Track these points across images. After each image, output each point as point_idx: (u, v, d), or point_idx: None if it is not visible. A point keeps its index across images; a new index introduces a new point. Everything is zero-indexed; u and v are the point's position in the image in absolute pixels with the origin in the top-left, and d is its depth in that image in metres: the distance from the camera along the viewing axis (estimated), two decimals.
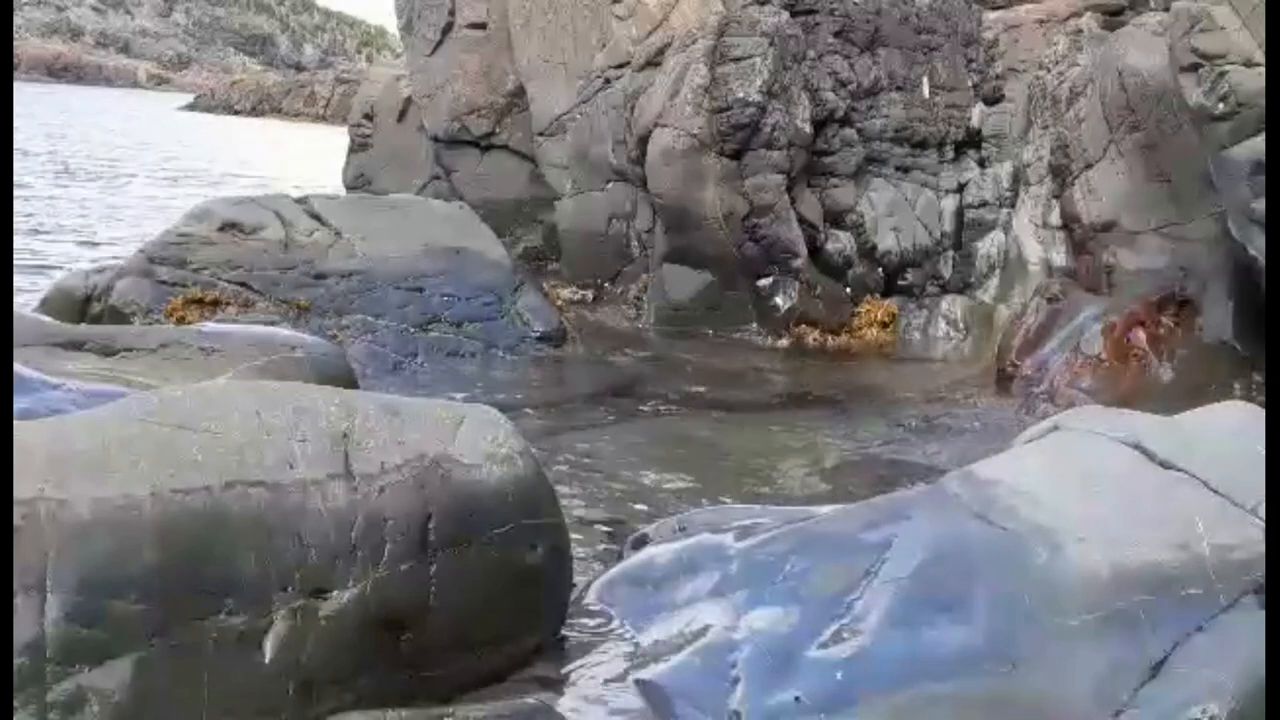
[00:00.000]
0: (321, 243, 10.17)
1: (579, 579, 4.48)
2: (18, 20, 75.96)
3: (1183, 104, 8.87)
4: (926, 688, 3.42)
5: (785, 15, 12.17)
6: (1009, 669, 3.37)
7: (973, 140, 12.74)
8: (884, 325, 11.83)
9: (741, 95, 11.46)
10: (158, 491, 3.38)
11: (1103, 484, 3.77)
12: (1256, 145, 7.92)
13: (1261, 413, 4.15)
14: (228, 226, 10.00)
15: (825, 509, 4.83)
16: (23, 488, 3.28)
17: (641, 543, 4.82)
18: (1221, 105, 8.20)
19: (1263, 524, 3.51)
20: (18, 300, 8.88)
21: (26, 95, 46.22)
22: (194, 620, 3.32)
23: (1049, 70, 11.39)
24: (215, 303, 9.27)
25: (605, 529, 5.71)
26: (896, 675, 3.48)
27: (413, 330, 9.80)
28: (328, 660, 3.47)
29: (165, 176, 25.02)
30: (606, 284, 12.71)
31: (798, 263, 11.69)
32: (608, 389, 8.85)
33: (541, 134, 13.76)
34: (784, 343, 11.14)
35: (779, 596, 3.99)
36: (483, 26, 14.43)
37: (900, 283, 12.21)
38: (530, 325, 10.32)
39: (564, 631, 4.18)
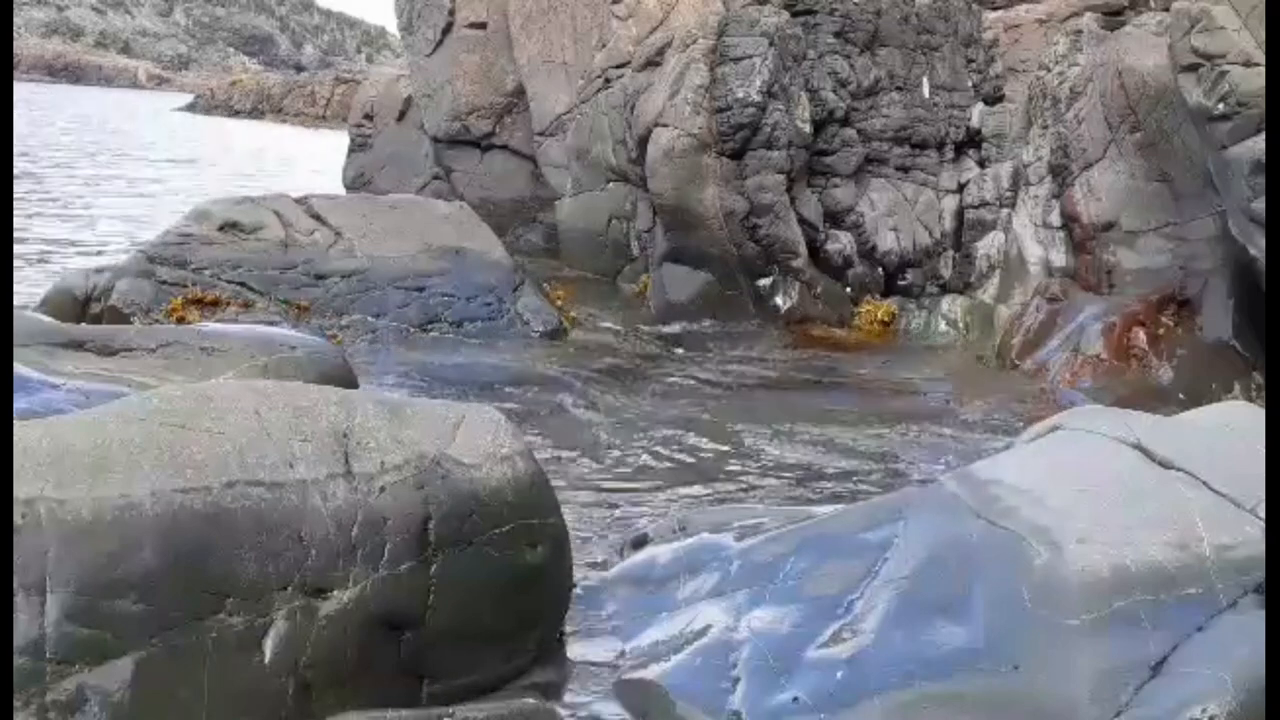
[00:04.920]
0: (321, 243, 10.18)
1: (579, 579, 4.48)
2: (18, 20, 75.94)
3: (1183, 104, 8.88)
4: (926, 688, 3.42)
5: (785, 15, 12.17)
6: (1009, 669, 3.37)
7: (973, 140, 12.75)
8: (884, 325, 11.83)
9: (741, 95, 11.47)
10: (158, 491, 3.38)
11: (1103, 484, 3.77)
12: (1256, 145, 7.92)
13: (1261, 413, 4.16)
14: (228, 226, 10.01)
15: (825, 509, 4.84)
16: (23, 488, 3.28)
17: (641, 543, 4.82)
18: (1221, 105, 8.20)
19: (1263, 524, 3.51)
20: (18, 300, 8.88)
21: (26, 95, 46.24)
22: (194, 620, 3.32)
23: (1049, 70, 11.39)
24: (215, 303, 9.28)
25: (605, 528, 5.71)
26: (896, 675, 3.48)
27: (413, 330, 9.80)
28: (328, 660, 3.47)
29: (165, 176, 25.02)
30: (606, 284, 12.71)
31: (798, 263, 11.70)
32: (607, 389, 8.85)
33: (541, 134, 13.77)
34: (786, 341, 11.14)
35: (779, 596, 3.99)
36: (483, 26, 14.44)
37: (900, 283, 12.22)
38: (530, 325, 10.32)
39: (564, 631, 4.18)
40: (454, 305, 10.18)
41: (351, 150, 17.68)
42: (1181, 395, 8.49)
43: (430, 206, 11.61)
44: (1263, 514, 3.54)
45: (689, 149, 11.50)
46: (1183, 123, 9.52)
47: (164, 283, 9.34)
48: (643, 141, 11.94)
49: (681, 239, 11.94)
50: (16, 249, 12.54)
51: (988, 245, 12.01)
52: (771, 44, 11.66)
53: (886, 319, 11.87)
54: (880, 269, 12.19)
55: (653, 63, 12.25)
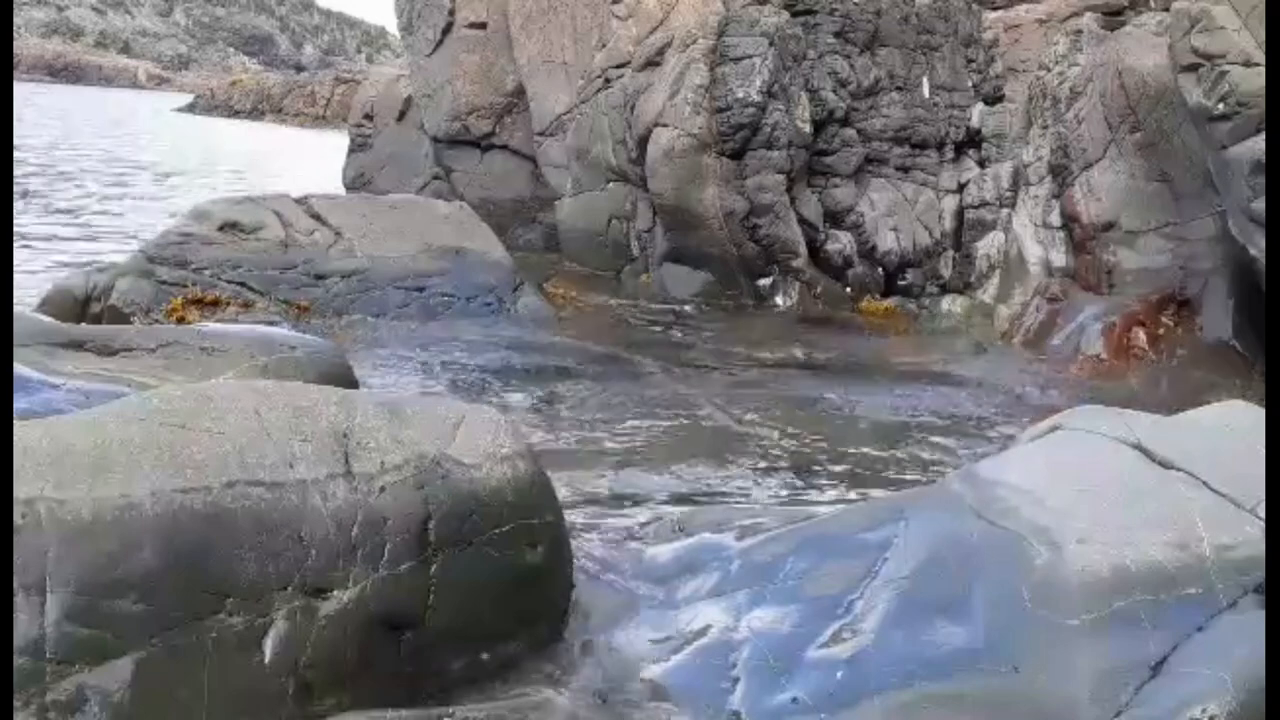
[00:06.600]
0: (321, 243, 10.18)
1: (578, 578, 4.48)
2: (18, 20, 75.96)
3: (1183, 104, 8.88)
4: (926, 688, 3.42)
5: (785, 15, 12.18)
6: (1009, 669, 3.37)
7: (973, 140, 12.76)
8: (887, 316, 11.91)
9: (741, 95, 11.47)
10: (158, 491, 3.38)
11: (1103, 484, 3.77)
12: (1256, 145, 7.93)
13: (1261, 413, 4.15)
14: (228, 226, 10.01)
15: (825, 509, 4.84)
16: (23, 488, 3.27)
17: (642, 542, 4.82)
18: (1221, 105, 8.21)
19: (1263, 524, 3.51)
20: (18, 300, 8.87)
21: (26, 95, 46.24)
22: (194, 620, 3.32)
23: (1049, 70, 11.40)
24: (215, 303, 9.27)
25: (606, 528, 5.70)
26: (896, 675, 3.48)
27: (413, 330, 9.80)
28: (328, 660, 3.47)
29: (165, 177, 25.02)
30: (606, 283, 12.73)
31: (798, 263, 11.71)
32: (608, 385, 8.85)
33: (541, 134, 13.77)
34: (791, 329, 11.17)
35: (779, 596, 3.99)
36: (483, 26, 14.46)
37: (900, 283, 12.23)
38: (530, 324, 10.32)
39: (564, 631, 4.18)
40: (454, 305, 10.18)
41: (351, 150, 17.69)
42: (1181, 395, 8.49)
43: (430, 206, 11.62)
44: (1263, 514, 3.54)
45: (689, 149, 11.51)
46: (1183, 123, 9.53)
47: (164, 283, 9.34)
48: (643, 141, 11.94)
49: (681, 239, 11.95)
50: (16, 249, 12.53)
51: (988, 245, 12.02)
52: (771, 44, 11.67)
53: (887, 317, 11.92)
54: (880, 269, 12.20)
55: (653, 63, 12.26)
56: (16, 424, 3.53)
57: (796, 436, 7.61)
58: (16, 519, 3.22)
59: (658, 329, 11.06)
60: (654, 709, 3.73)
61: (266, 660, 3.39)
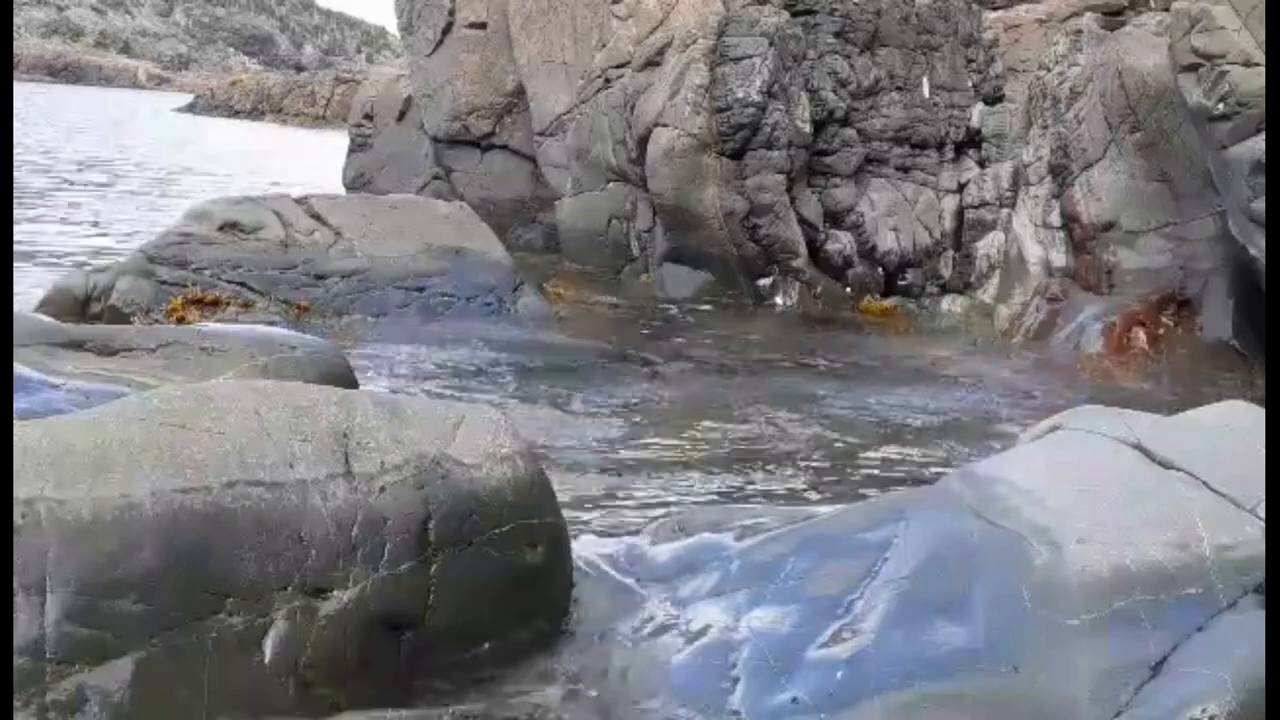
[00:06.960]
0: (321, 243, 10.18)
1: (578, 578, 4.48)
2: (18, 20, 75.96)
3: (1183, 104, 8.88)
4: (926, 688, 3.42)
5: (785, 15, 12.19)
6: (1009, 669, 3.37)
7: (973, 140, 12.76)
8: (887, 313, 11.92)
9: (741, 95, 11.47)
10: (158, 491, 3.38)
11: (1103, 484, 3.76)
12: (1256, 145, 7.94)
13: (1261, 412, 4.15)
14: (228, 226, 10.01)
15: (825, 509, 4.84)
16: (23, 488, 3.28)
17: (642, 542, 4.81)
18: (1221, 105, 8.21)
19: (1263, 524, 3.51)
20: (18, 300, 8.87)
21: (26, 95, 46.25)
22: (194, 620, 3.32)
23: (1049, 70, 11.41)
24: (215, 303, 9.27)
25: (606, 527, 5.70)
26: (896, 675, 3.48)
27: (413, 330, 9.79)
28: (328, 660, 3.47)
29: (164, 177, 25.02)
30: (607, 283, 12.74)
31: (798, 262, 11.71)
32: (609, 383, 8.85)
33: (541, 134, 13.78)
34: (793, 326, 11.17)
35: (779, 596, 3.99)
36: (483, 26, 14.46)
37: (900, 282, 12.23)
38: (530, 325, 10.32)
39: (563, 631, 4.18)
40: (454, 305, 10.19)
41: (351, 150, 17.70)
42: (1181, 395, 8.50)
43: (430, 206, 11.62)
44: (1263, 514, 3.54)
45: (689, 149, 11.51)
46: (1183, 123, 9.53)
47: (164, 283, 9.34)
48: (643, 141, 11.95)
49: (681, 239, 11.95)
50: (16, 249, 12.53)
51: (988, 245, 12.02)
52: (771, 44, 11.67)
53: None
54: (880, 269, 12.21)
55: (653, 63, 12.27)
56: (16, 424, 3.53)
57: (796, 436, 7.62)
58: (16, 519, 3.22)
59: (657, 329, 11.06)
60: (654, 709, 3.73)
61: (266, 660, 3.39)
